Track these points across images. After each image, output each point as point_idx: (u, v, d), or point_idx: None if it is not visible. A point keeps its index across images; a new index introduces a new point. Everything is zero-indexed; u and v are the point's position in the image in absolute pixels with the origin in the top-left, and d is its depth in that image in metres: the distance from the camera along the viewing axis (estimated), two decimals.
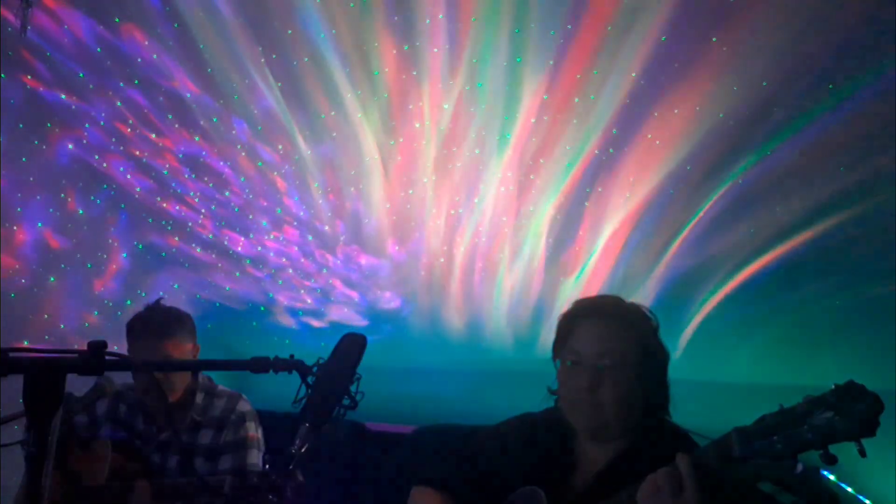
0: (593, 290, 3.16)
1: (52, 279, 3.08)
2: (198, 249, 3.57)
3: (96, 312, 3.24)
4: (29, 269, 3.02)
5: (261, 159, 3.41)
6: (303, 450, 1.41)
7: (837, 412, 1.05)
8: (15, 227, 2.97)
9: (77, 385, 1.90)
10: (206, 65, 3.20)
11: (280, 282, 3.68)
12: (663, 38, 2.70)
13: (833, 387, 1.08)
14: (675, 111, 2.80)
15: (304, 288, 3.69)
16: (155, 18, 3.10)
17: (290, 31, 3.09)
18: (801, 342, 2.88)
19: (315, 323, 3.76)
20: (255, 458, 2.19)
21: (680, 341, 3.07)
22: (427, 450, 2.80)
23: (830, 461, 1.06)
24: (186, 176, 3.43)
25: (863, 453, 1.04)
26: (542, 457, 1.53)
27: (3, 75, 2.90)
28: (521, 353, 3.41)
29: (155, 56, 3.17)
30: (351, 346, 1.40)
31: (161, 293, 2.30)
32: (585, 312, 1.53)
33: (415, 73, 3.09)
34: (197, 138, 3.36)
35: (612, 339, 1.46)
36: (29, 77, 2.99)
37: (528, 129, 3.07)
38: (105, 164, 3.26)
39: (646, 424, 1.47)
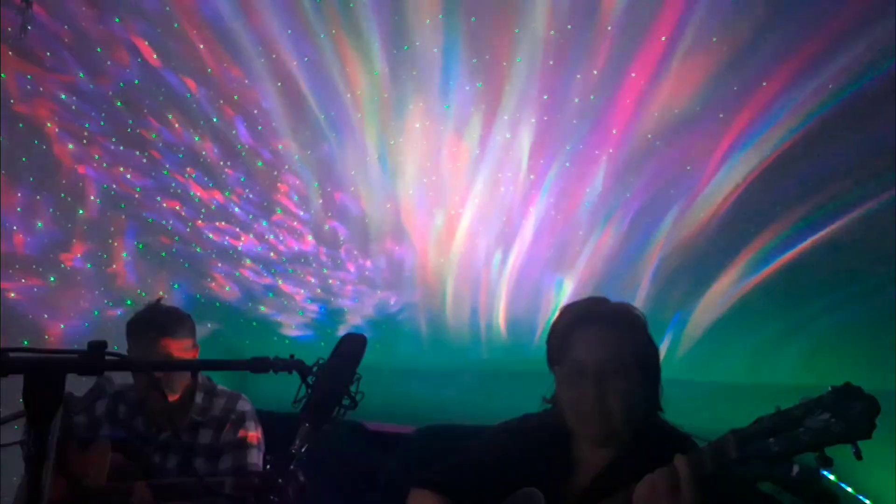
0: (592, 290, 3.17)
1: (52, 279, 3.09)
2: (198, 249, 3.57)
3: (96, 312, 3.24)
4: (29, 268, 3.02)
5: (261, 159, 3.42)
6: (303, 450, 1.42)
7: (834, 414, 1.05)
8: (15, 227, 2.97)
9: (77, 385, 1.91)
10: (206, 65, 3.21)
11: (280, 281, 3.68)
12: (663, 38, 2.70)
13: (830, 389, 1.07)
14: (675, 111, 2.79)
15: (304, 288, 3.69)
16: (155, 19, 3.10)
17: (290, 31, 3.10)
18: (800, 342, 2.89)
19: (315, 323, 3.77)
20: (255, 457, 2.18)
21: (679, 341, 3.07)
22: (427, 450, 2.80)
23: (826, 463, 1.05)
24: (186, 176, 3.44)
25: (858, 456, 1.03)
26: (540, 459, 1.53)
27: (3, 75, 2.90)
28: (521, 353, 3.41)
29: (155, 56, 3.18)
30: (351, 346, 1.40)
31: (161, 293, 2.30)
32: (581, 319, 1.49)
33: (415, 73, 3.10)
34: (197, 138, 3.37)
35: (613, 345, 1.44)
36: (28, 76, 2.99)
37: (529, 129, 3.08)
38: (105, 164, 3.27)
39: (644, 426, 1.47)
